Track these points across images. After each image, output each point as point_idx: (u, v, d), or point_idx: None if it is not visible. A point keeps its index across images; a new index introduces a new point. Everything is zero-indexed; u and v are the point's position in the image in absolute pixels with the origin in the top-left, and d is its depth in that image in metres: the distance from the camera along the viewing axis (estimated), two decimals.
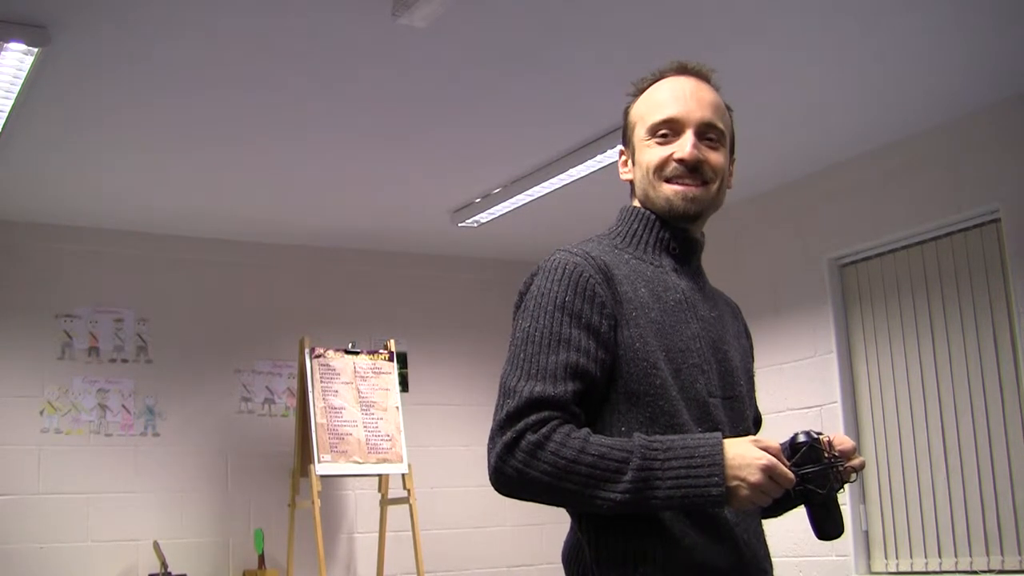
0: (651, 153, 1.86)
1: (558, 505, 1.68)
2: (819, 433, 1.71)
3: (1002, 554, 4.37)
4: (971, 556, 4.48)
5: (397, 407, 5.61)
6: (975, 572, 4.45)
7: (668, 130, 1.85)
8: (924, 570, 4.65)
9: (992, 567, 4.40)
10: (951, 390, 4.63)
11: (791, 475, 1.61)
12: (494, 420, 1.68)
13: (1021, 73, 4.22)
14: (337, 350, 5.61)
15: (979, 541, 4.46)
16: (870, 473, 4.93)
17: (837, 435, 1.73)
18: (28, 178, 4.98)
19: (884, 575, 4.84)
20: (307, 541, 5.48)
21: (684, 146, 1.83)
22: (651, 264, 1.84)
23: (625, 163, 1.94)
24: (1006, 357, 4.44)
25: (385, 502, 5.66)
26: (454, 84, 4.13)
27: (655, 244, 1.87)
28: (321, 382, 5.47)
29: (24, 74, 3.79)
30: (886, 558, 4.84)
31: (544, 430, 1.62)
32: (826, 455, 1.67)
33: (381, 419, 5.51)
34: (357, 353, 5.66)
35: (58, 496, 5.40)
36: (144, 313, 5.78)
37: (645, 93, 1.92)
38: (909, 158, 4.81)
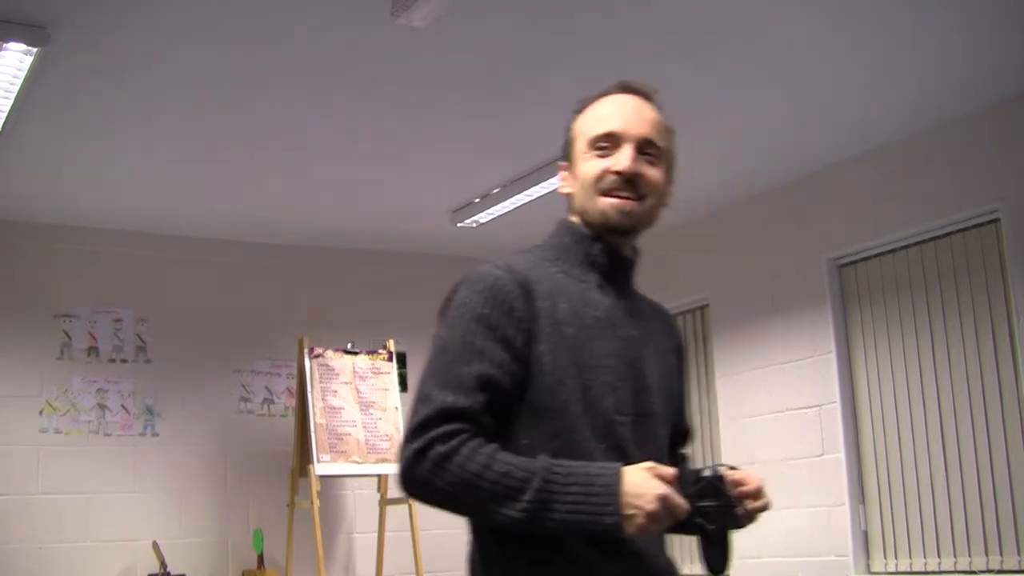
0: (590, 166, 1.87)
1: (460, 515, 1.73)
2: (732, 467, 1.77)
3: (1001, 554, 4.37)
4: (970, 556, 4.48)
5: (396, 407, 5.61)
6: (974, 572, 4.45)
7: (608, 143, 1.86)
8: (923, 570, 4.65)
9: (991, 567, 4.40)
10: (950, 390, 4.63)
11: (685, 505, 1.64)
12: (407, 424, 1.73)
13: (1021, 73, 4.22)
14: (336, 350, 5.61)
15: (978, 541, 4.46)
16: (869, 473, 4.93)
17: (748, 474, 1.79)
18: (27, 178, 4.97)
19: (883, 575, 4.84)
20: (306, 541, 5.47)
21: (622, 159, 1.85)
22: (577, 280, 1.87)
23: (565, 177, 1.95)
24: (1005, 357, 4.44)
25: (384, 502, 5.66)
26: (454, 84, 4.13)
27: (583, 259, 1.89)
28: (320, 382, 5.47)
29: (24, 74, 3.79)
30: (885, 558, 4.84)
31: (453, 442, 1.68)
32: (727, 493, 1.72)
33: (380, 419, 5.51)
34: (356, 353, 5.66)
35: (57, 496, 5.40)
36: (143, 313, 5.78)
37: (588, 109, 1.95)
38: (909, 158, 4.81)
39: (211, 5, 3.46)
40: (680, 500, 1.63)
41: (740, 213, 5.65)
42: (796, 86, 4.26)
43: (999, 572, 4.37)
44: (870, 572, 4.88)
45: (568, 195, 1.94)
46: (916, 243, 4.83)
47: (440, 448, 1.67)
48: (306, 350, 5.50)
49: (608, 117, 1.89)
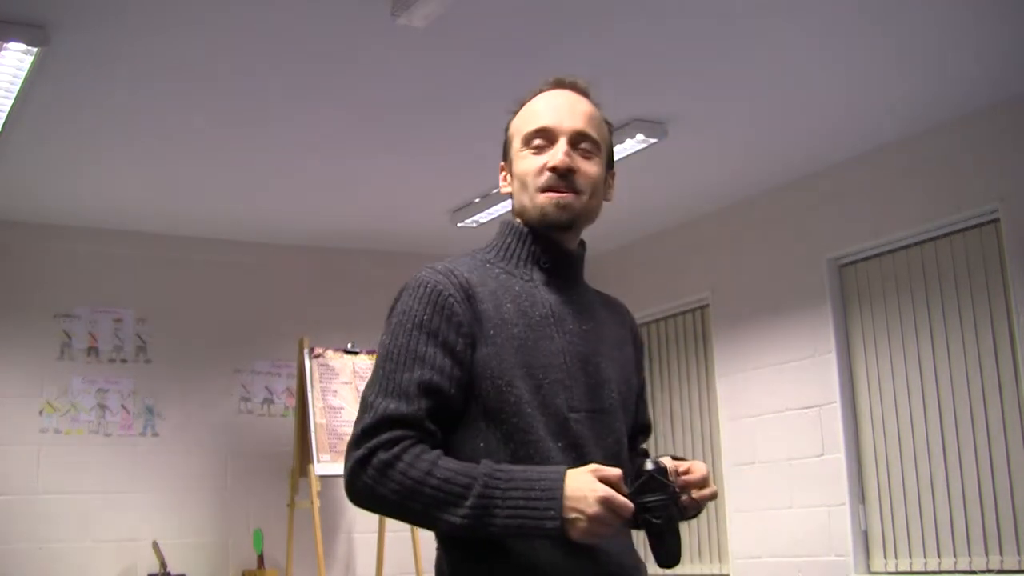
0: (526, 163, 1.87)
1: (406, 522, 1.74)
2: (678, 457, 1.75)
3: (1001, 554, 4.37)
4: (970, 556, 4.48)
5: None
6: (975, 572, 4.45)
7: (542, 140, 1.86)
8: (923, 570, 4.65)
9: (992, 567, 4.40)
10: (950, 390, 4.63)
11: (630, 505, 1.62)
12: (352, 433, 1.74)
13: (1021, 73, 4.22)
14: (336, 350, 5.61)
15: (979, 541, 4.46)
16: (869, 473, 4.93)
17: (693, 464, 1.76)
18: (27, 178, 4.97)
19: (884, 575, 4.84)
20: (306, 541, 5.47)
21: (556, 154, 1.84)
22: (521, 279, 1.86)
23: (505, 177, 1.95)
24: (1005, 357, 4.44)
25: None
26: (454, 84, 4.13)
27: (527, 258, 1.89)
28: (320, 382, 5.47)
29: (24, 74, 3.79)
30: (885, 558, 4.84)
31: (395, 450, 1.68)
32: (671, 486, 1.68)
33: None
34: (356, 353, 5.66)
35: (57, 496, 5.40)
36: (143, 313, 5.78)
37: (523, 108, 1.95)
38: (909, 158, 4.81)
39: (210, 6, 3.46)
40: (623, 501, 1.61)
41: (740, 213, 5.65)
42: (796, 86, 4.26)
43: (999, 572, 4.37)
44: (870, 572, 4.88)
45: (509, 195, 1.94)
46: (916, 243, 4.83)
47: (382, 455, 1.67)
48: (306, 350, 5.50)
49: (541, 113, 1.90)
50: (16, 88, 3.91)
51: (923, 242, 4.80)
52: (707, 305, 5.87)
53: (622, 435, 1.87)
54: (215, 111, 4.32)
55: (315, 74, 4.01)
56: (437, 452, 1.69)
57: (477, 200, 5.51)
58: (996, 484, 4.42)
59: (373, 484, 1.68)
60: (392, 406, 1.70)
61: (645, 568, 1.84)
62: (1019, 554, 4.31)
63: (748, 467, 5.37)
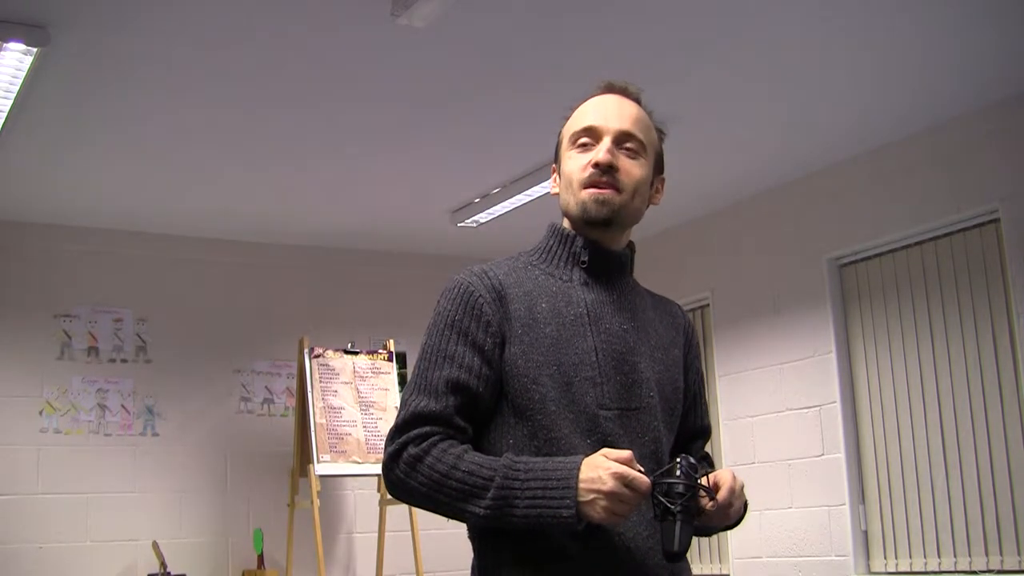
0: (571, 162, 1.90)
1: (437, 513, 1.79)
2: (711, 471, 1.75)
3: (1001, 554, 4.37)
4: (970, 556, 4.48)
5: (396, 407, 5.60)
6: (975, 572, 4.45)
7: (588, 138, 1.89)
8: (923, 570, 4.65)
9: (992, 567, 4.40)
10: (950, 390, 4.63)
11: (645, 479, 1.64)
12: (389, 429, 1.83)
13: (1020, 73, 4.22)
14: (336, 350, 5.61)
15: (979, 541, 4.46)
16: (869, 473, 4.94)
17: (726, 471, 1.76)
18: (27, 178, 4.97)
19: (883, 575, 4.84)
20: (306, 541, 5.47)
21: (599, 151, 1.87)
22: (560, 279, 1.89)
23: (555, 180, 1.99)
24: (1005, 357, 4.44)
25: (384, 502, 5.66)
26: (454, 84, 4.13)
27: (567, 259, 1.91)
28: (320, 382, 5.47)
29: (24, 74, 3.79)
30: (885, 558, 4.84)
31: (424, 445, 1.75)
32: (696, 479, 1.68)
33: (380, 419, 5.51)
34: (356, 353, 5.66)
35: (57, 496, 5.40)
36: (143, 313, 5.78)
37: (574, 112, 1.98)
38: (908, 158, 4.81)
39: (210, 6, 3.47)
40: (638, 475, 1.63)
41: (740, 213, 5.65)
42: (796, 86, 4.26)
43: (999, 572, 4.37)
44: (870, 572, 4.88)
45: (557, 196, 1.96)
46: (916, 243, 4.83)
47: (412, 450, 1.75)
48: (306, 350, 5.50)
49: (588, 114, 1.92)
50: (16, 88, 3.91)
51: (923, 242, 4.80)
52: (707, 305, 5.87)
53: (661, 435, 1.87)
54: (215, 111, 4.32)
55: (315, 74, 4.01)
56: (464, 447, 1.75)
57: (477, 200, 5.51)
58: (996, 484, 4.42)
59: (404, 477, 1.75)
60: (423, 403, 1.77)
61: (675, 570, 1.83)
62: (1019, 554, 4.31)
63: (748, 467, 5.37)
